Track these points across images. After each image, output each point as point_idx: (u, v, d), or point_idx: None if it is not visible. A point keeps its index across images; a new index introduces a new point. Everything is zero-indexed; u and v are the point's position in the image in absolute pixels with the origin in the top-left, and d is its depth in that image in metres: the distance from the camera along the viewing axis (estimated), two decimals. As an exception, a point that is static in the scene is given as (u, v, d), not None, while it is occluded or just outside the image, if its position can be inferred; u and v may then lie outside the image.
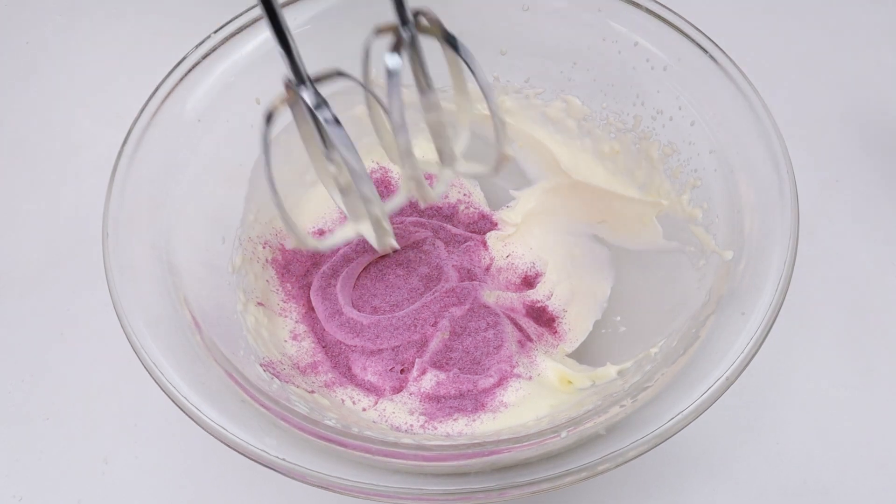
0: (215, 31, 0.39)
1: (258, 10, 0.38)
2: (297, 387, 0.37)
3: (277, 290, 0.43)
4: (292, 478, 0.29)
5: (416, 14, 0.31)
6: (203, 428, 0.30)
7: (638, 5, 0.39)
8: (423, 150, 0.45)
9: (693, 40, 0.38)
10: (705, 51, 0.37)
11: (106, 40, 0.60)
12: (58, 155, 0.54)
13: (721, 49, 0.37)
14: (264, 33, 0.39)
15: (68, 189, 0.53)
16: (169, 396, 0.30)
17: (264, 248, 0.43)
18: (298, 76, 0.29)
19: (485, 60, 0.43)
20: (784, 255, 0.32)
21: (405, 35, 0.31)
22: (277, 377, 0.36)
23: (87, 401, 0.45)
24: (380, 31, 0.31)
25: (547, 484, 0.28)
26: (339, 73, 0.31)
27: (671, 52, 0.38)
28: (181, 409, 0.30)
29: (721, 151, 0.36)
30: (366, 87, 0.34)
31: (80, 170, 0.53)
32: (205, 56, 0.38)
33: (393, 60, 0.30)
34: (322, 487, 0.29)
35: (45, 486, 0.42)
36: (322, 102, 0.30)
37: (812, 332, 0.45)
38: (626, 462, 0.28)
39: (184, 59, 0.38)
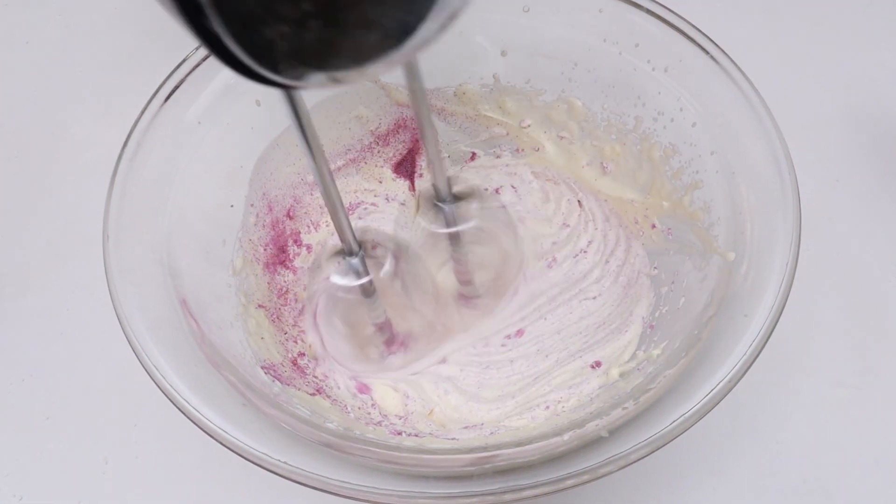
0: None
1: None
2: (298, 389, 0.37)
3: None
4: (292, 480, 0.29)
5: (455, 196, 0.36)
6: (204, 430, 0.30)
7: (639, 6, 0.38)
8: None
9: (694, 41, 0.37)
10: (706, 51, 0.37)
11: (106, 40, 0.59)
12: (58, 155, 0.54)
13: (722, 49, 0.37)
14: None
15: (68, 189, 0.52)
16: (170, 399, 0.30)
17: (265, 250, 0.43)
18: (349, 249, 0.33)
19: (485, 61, 0.43)
20: (786, 257, 0.32)
21: (445, 208, 0.36)
22: (278, 380, 0.36)
23: (88, 401, 0.45)
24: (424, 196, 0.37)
25: (549, 486, 0.28)
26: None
27: (672, 52, 0.38)
28: (182, 412, 0.30)
29: (722, 153, 0.36)
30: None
31: (80, 170, 0.53)
32: (205, 58, 0.38)
33: (432, 227, 0.37)
34: (322, 490, 0.29)
35: (45, 486, 0.42)
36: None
37: (812, 331, 0.45)
38: (628, 465, 0.28)
39: (184, 60, 0.37)
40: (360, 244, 0.34)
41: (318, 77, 0.20)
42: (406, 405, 0.40)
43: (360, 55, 0.20)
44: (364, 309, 0.37)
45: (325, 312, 0.39)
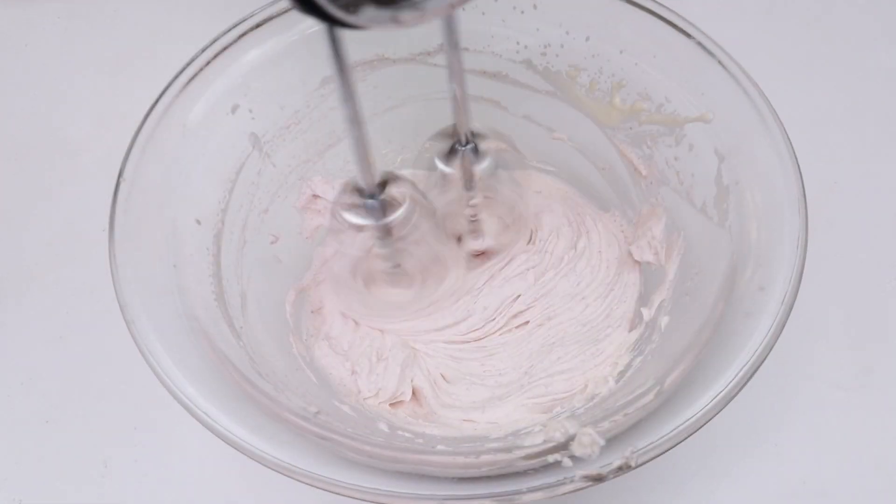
0: (215, 39, 0.38)
1: (259, 16, 0.38)
2: (300, 387, 0.37)
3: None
4: (297, 480, 0.29)
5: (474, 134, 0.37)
6: (209, 429, 0.30)
7: (639, 6, 0.38)
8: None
9: (696, 41, 0.37)
10: (709, 52, 0.37)
11: (106, 42, 0.60)
12: (58, 156, 0.54)
13: (724, 50, 0.37)
14: (266, 38, 0.39)
15: (68, 191, 0.52)
16: (176, 399, 0.30)
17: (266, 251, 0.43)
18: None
19: (484, 63, 0.43)
20: (792, 262, 0.32)
21: (461, 148, 0.37)
22: (281, 380, 0.36)
23: (87, 404, 0.45)
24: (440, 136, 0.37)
25: (547, 491, 0.28)
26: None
27: (673, 53, 0.38)
28: (189, 412, 0.30)
29: (726, 154, 0.36)
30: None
31: (79, 172, 0.53)
32: (209, 62, 0.38)
33: (448, 168, 0.38)
34: (326, 490, 0.29)
35: (44, 490, 0.43)
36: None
37: (811, 333, 0.45)
38: (629, 470, 0.28)
39: (193, 59, 0.38)
40: (380, 186, 0.34)
41: (381, 15, 0.21)
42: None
43: None
44: (377, 250, 0.37)
45: (341, 257, 0.39)
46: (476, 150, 0.37)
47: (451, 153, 0.37)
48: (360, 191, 0.33)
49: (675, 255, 0.40)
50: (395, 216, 0.34)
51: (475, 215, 0.42)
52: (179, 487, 0.42)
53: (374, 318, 0.44)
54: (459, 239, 0.44)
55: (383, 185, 0.33)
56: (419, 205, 0.35)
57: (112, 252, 0.33)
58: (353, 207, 0.34)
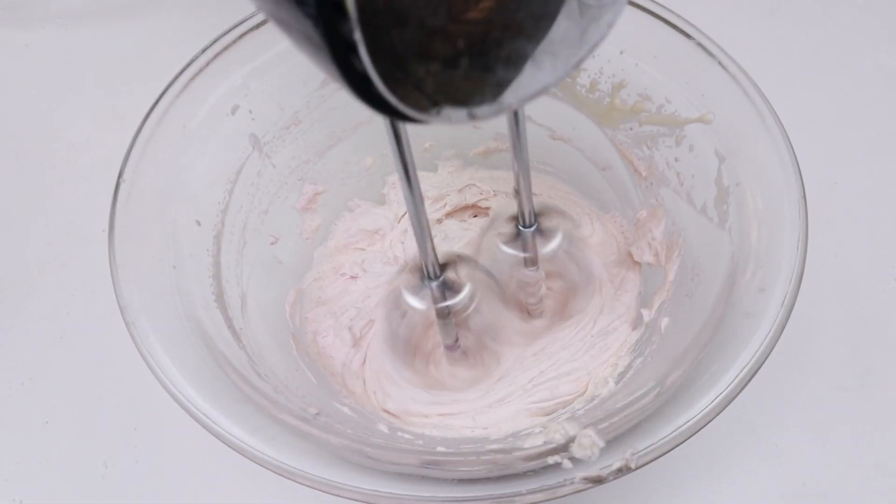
0: (216, 40, 0.38)
1: (260, 17, 0.38)
2: (300, 388, 0.37)
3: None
4: (297, 482, 0.29)
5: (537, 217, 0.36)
6: (212, 433, 0.30)
7: (640, 6, 0.38)
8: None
9: (696, 42, 0.37)
10: (710, 53, 0.37)
11: (105, 43, 0.60)
12: (58, 157, 0.54)
13: (724, 51, 0.37)
14: (267, 38, 0.39)
15: (68, 191, 0.52)
16: (177, 401, 0.30)
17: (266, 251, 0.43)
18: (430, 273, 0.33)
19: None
20: (792, 263, 0.32)
21: (525, 232, 0.36)
22: (280, 381, 0.36)
23: (87, 404, 0.45)
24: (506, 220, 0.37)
25: (547, 493, 0.28)
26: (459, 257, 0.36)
27: (674, 54, 0.38)
28: (194, 419, 0.30)
29: (726, 155, 0.36)
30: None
31: (79, 172, 0.53)
32: (209, 63, 0.38)
33: (512, 250, 0.37)
34: (326, 492, 0.29)
35: (44, 490, 0.43)
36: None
37: (811, 333, 0.45)
38: (629, 472, 0.28)
39: (191, 63, 0.37)
40: (442, 267, 0.34)
41: (457, 113, 0.20)
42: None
43: (501, 90, 0.20)
44: (433, 330, 0.37)
45: (391, 331, 0.39)
46: (539, 231, 0.36)
47: (514, 235, 0.36)
48: (421, 272, 0.33)
49: (676, 256, 0.40)
50: (458, 299, 0.34)
51: (534, 293, 0.41)
52: (179, 488, 0.42)
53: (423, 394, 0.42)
54: (527, 311, 0.43)
55: (445, 266, 0.34)
56: (481, 285, 0.35)
57: (112, 253, 0.33)
58: (414, 288, 0.34)
